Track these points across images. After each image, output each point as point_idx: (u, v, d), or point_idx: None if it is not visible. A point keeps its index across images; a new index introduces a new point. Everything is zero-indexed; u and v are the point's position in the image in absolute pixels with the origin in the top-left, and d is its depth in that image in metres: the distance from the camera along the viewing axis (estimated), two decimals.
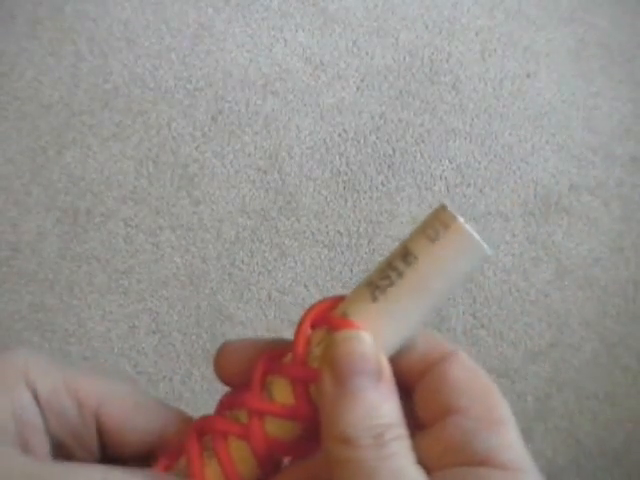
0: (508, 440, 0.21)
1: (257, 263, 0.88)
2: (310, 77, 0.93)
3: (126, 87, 0.90)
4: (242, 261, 0.88)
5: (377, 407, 0.21)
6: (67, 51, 0.91)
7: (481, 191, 0.91)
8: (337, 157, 0.91)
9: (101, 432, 0.24)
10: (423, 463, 0.21)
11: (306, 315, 0.25)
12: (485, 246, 0.22)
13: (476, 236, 0.22)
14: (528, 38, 0.96)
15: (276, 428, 0.23)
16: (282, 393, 0.23)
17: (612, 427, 0.88)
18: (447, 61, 0.95)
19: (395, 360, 0.23)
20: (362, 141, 0.92)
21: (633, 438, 0.88)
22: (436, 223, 0.22)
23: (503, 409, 0.22)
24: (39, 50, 0.91)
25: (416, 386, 0.23)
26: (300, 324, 0.24)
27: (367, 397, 0.21)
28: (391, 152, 0.92)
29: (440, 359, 0.23)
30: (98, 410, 0.24)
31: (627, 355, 0.89)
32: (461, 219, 0.22)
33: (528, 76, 0.95)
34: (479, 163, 0.92)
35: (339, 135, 0.91)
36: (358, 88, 0.93)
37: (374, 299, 0.23)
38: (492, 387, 0.22)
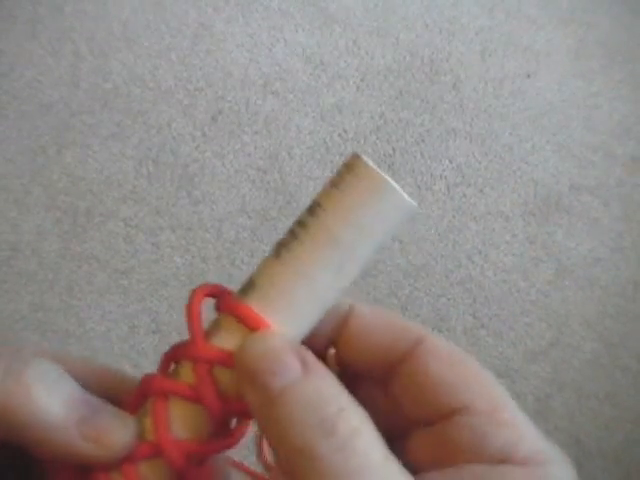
0: (521, 433, 0.20)
1: (257, 263, 0.88)
2: (310, 77, 0.93)
3: (126, 87, 0.90)
4: (242, 261, 0.88)
5: (316, 400, 0.18)
6: (67, 51, 0.91)
7: (481, 191, 0.91)
8: (337, 157, 0.91)
9: None
10: (425, 460, 0.20)
11: (197, 292, 0.22)
12: (399, 191, 0.19)
13: (388, 180, 0.19)
14: (528, 38, 0.96)
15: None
16: (187, 374, 0.21)
17: (612, 427, 0.88)
18: (447, 61, 0.95)
19: (360, 351, 0.21)
20: (362, 141, 0.91)
21: (633, 438, 0.88)
22: (343, 169, 0.20)
23: (504, 397, 0.21)
24: (39, 50, 0.90)
25: (393, 381, 0.21)
26: (190, 302, 0.21)
27: (300, 395, 0.18)
28: (391, 152, 0.92)
29: (411, 348, 0.21)
30: None
31: (627, 355, 0.89)
32: (369, 162, 0.20)
33: (528, 76, 0.95)
34: (479, 163, 0.92)
35: (339, 135, 0.91)
36: (358, 88, 0.93)
37: (277, 256, 0.21)
38: (481, 373, 0.21)
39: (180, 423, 0.20)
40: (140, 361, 0.84)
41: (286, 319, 0.20)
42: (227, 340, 0.20)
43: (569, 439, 0.87)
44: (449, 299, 0.89)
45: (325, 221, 0.20)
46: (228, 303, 0.21)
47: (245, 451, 0.86)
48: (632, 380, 0.89)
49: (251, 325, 0.20)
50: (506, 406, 0.20)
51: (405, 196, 0.20)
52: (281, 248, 0.21)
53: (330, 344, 0.22)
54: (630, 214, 0.93)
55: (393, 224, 0.20)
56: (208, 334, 0.21)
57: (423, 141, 0.92)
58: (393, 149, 0.92)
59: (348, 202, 0.20)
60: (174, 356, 0.21)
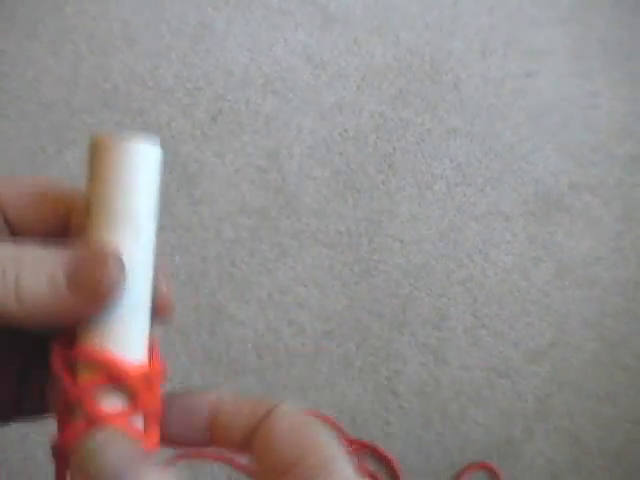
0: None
1: (257, 263, 0.88)
2: (310, 76, 0.93)
3: (126, 86, 0.90)
4: (242, 261, 0.88)
5: None
6: (67, 50, 0.91)
7: (482, 190, 0.91)
8: (337, 156, 0.91)
9: (8, 224, 0.24)
10: None
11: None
12: (136, 144, 0.22)
13: (118, 140, 0.22)
14: (528, 37, 0.96)
15: None
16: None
17: (612, 427, 0.88)
18: (447, 60, 0.94)
19: (228, 425, 0.24)
20: (362, 140, 0.91)
21: (633, 438, 0.88)
22: (88, 159, 0.22)
23: (334, 452, 0.23)
24: (39, 50, 0.90)
25: (252, 446, 0.24)
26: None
27: None
28: (391, 151, 0.91)
29: (266, 414, 0.24)
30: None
31: (627, 355, 0.89)
32: (97, 137, 0.22)
33: (528, 75, 0.95)
34: (480, 162, 0.92)
35: (339, 134, 0.91)
36: (358, 87, 0.93)
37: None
38: (318, 434, 0.23)
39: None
40: None
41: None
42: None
43: (569, 439, 0.87)
44: (449, 299, 0.89)
45: (97, 207, 0.22)
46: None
47: None
48: (632, 380, 0.89)
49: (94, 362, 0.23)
50: (335, 459, 0.22)
51: (145, 145, 0.22)
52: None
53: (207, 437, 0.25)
54: (630, 214, 0.93)
55: (150, 172, 0.23)
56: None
57: (423, 140, 0.92)
58: (393, 148, 0.92)
59: (104, 180, 0.22)
60: (61, 406, 0.23)
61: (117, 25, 0.92)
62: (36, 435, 0.82)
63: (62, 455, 0.23)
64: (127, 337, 0.23)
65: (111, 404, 0.22)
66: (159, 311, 0.24)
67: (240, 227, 0.88)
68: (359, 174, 0.90)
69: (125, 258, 0.22)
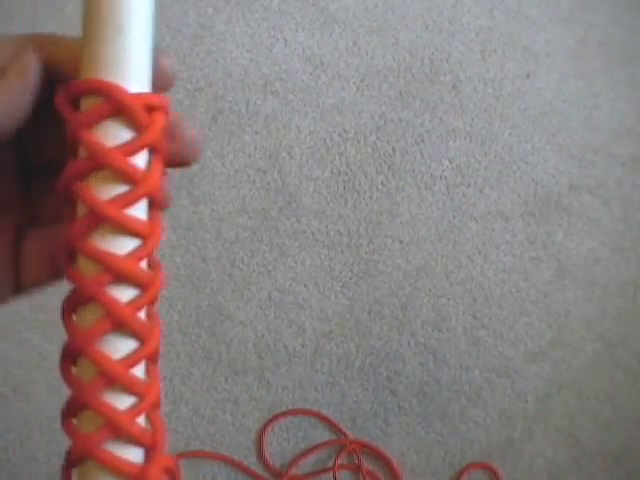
0: None
1: (257, 263, 0.88)
2: (310, 77, 0.93)
3: None
4: (242, 261, 0.88)
5: None
6: None
7: (481, 191, 0.91)
8: (337, 157, 0.91)
9: None
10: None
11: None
12: None
13: None
14: (528, 38, 0.96)
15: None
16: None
17: (612, 427, 0.88)
18: (447, 61, 0.95)
19: None
20: (362, 141, 0.92)
21: (633, 439, 0.88)
22: None
23: None
24: None
25: None
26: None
27: None
28: (391, 152, 0.92)
29: None
30: None
31: (627, 355, 0.89)
32: None
33: (528, 76, 0.95)
34: (479, 163, 0.92)
35: (339, 135, 0.91)
36: (358, 88, 0.93)
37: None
38: None
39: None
40: None
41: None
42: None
43: (569, 439, 0.87)
44: (449, 299, 0.89)
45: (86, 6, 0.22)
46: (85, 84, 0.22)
47: (245, 451, 0.86)
48: (632, 380, 0.89)
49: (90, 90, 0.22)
50: None
51: None
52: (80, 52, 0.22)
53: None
54: (630, 214, 0.93)
55: None
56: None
57: (423, 141, 0.92)
58: (393, 149, 0.92)
59: None
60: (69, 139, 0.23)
61: None
62: (37, 436, 0.82)
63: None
64: (130, 66, 0.22)
65: (115, 137, 0.22)
66: (160, 81, 0.24)
67: (240, 227, 0.88)
68: (359, 175, 0.90)
69: (108, 49, 0.22)
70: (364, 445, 0.85)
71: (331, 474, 0.83)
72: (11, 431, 0.82)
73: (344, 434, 0.85)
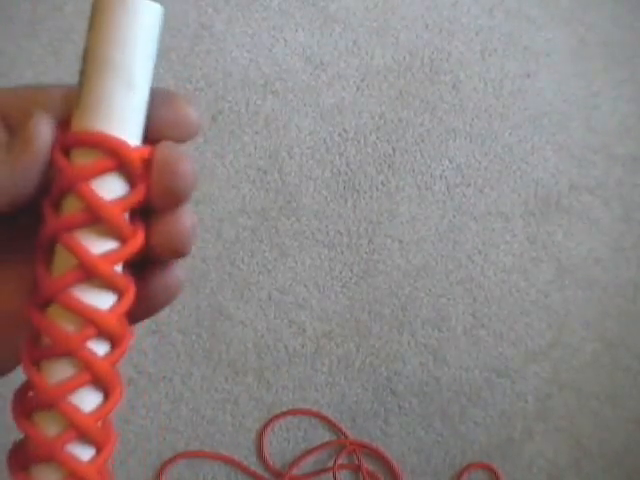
0: None
1: (257, 263, 0.88)
2: (310, 77, 0.93)
3: None
4: (242, 261, 0.88)
5: None
6: (67, 51, 0.91)
7: (481, 191, 0.91)
8: (337, 157, 0.91)
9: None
10: None
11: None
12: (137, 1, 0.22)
13: None
14: (528, 38, 0.96)
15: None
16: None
17: (613, 428, 0.88)
18: (447, 61, 0.95)
19: None
20: (362, 141, 0.91)
21: (634, 439, 0.88)
22: (91, 13, 0.23)
23: None
24: (39, 50, 0.90)
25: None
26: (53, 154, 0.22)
27: None
28: (391, 152, 0.92)
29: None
30: None
31: (628, 356, 0.89)
32: None
33: (528, 76, 0.95)
34: (479, 163, 0.92)
35: (339, 135, 0.91)
36: (358, 88, 0.93)
37: (77, 106, 0.22)
38: None
39: (94, 244, 0.22)
40: (140, 361, 0.84)
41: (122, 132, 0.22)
42: (86, 157, 0.22)
43: (569, 440, 0.87)
44: (449, 299, 0.89)
45: (94, 56, 0.22)
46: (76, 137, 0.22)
47: (245, 451, 0.86)
48: (633, 381, 0.89)
49: (93, 144, 0.21)
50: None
51: (144, 2, 0.22)
52: (77, 99, 0.22)
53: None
54: (630, 214, 0.93)
55: (148, 29, 0.23)
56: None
57: (423, 141, 0.92)
58: (393, 149, 0.92)
59: (102, 30, 0.22)
60: (54, 196, 0.22)
61: None
62: None
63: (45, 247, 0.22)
64: (136, 123, 0.22)
65: (114, 192, 0.21)
66: (185, 131, 0.23)
67: (240, 227, 0.88)
68: (359, 175, 0.90)
69: (115, 103, 0.21)
70: (364, 445, 0.85)
71: (331, 474, 0.83)
72: (11, 431, 0.82)
73: (344, 434, 0.85)
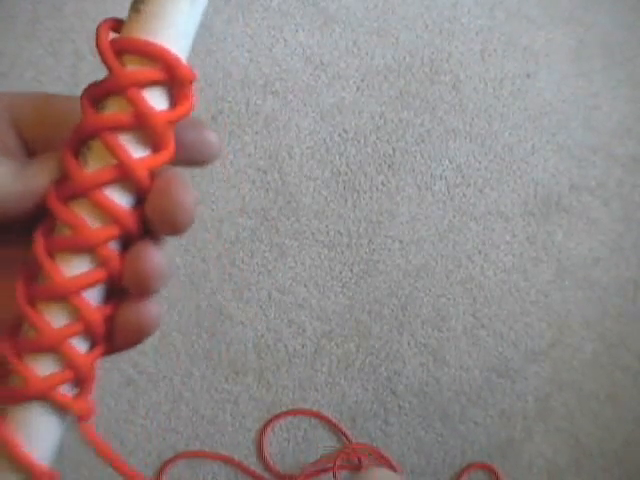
0: None
1: (257, 263, 0.88)
2: (310, 77, 0.93)
3: None
4: (242, 261, 0.88)
5: None
6: (67, 51, 0.91)
7: (481, 191, 0.91)
8: (337, 157, 0.91)
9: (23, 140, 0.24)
10: None
11: (101, 27, 0.23)
12: None
13: None
14: (528, 38, 0.96)
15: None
16: (119, 106, 0.22)
17: (613, 428, 0.88)
18: (447, 61, 0.95)
19: None
20: (362, 141, 0.91)
21: (634, 439, 0.88)
22: None
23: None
24: (39, 50, 0.90)
25: None
26: (98, 38, 0.23)
27: None
28: (391, 152, 0.92)
29: None
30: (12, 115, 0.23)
31: (628, 355, 0.89)
32: None
33: (528, 76, 0.95)
34: (479, 163, 0.92)
35: (339, 135, 0.91)
36: (358, 88, 0.93)
37: (137, 11, 0.23)
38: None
39: (131, 148, 0.22)
40: (140, 361, 0.84)
41: (174, 42, 0.23)
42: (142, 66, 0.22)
43: (569, 439, 0.87)
44: (449, 299, 0.89)
45: None
46: (131, 42, 0.22)
47: (245, 451, 0.86)
48: (632, 380, 0.89)
49: (151, 54, 0.22)
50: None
51: None
52: (138, 4, 0.23)
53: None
54: (630, 214, 0.93)
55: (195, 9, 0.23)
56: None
57: (423, 141, 0.92)
58: (393, 149, 0.92)
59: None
60: (97, 94, 0.22)
61: None
62: None
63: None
64: (182, 34, 0.23)
65: (155, 102, 0.22)
66: (206, 155, 0.24)
67: (240, 227, 0.88)
68: (359, 175, 0.90)
69: (178, 17, 0.22)
70: (364, 446, 0.85)
71: (331, 474, 0.83)
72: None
73: (344, 434, 0.85)
